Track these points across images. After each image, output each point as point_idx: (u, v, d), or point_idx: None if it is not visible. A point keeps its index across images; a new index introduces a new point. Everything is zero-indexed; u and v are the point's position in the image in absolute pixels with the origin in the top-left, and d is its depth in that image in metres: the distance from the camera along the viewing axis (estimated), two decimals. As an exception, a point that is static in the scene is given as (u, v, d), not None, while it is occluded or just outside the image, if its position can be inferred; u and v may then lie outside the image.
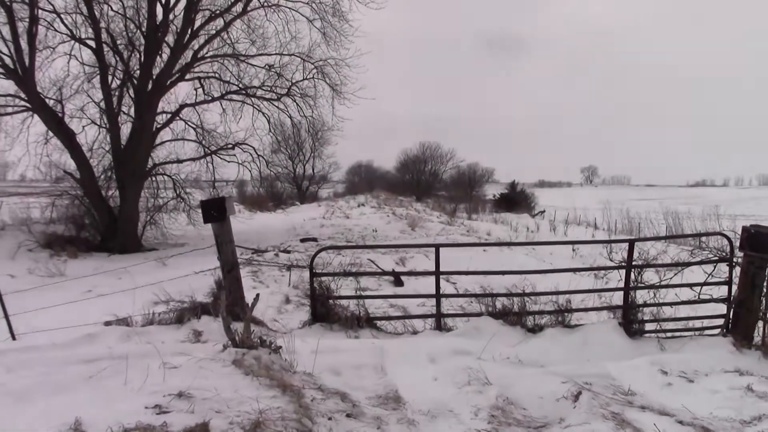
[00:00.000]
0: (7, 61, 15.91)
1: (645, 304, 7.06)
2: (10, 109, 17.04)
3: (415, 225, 23.11)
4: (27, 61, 16.02)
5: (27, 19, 16.08)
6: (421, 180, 64.28)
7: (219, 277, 7.32)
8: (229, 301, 6.39)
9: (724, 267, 7.02)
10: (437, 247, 7.54)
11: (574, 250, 16.43)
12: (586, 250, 15.88)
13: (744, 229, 6.55)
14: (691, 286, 6.92)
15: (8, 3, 15.55)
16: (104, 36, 17.57)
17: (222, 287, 7.09)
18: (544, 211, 39.24)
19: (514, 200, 44.35)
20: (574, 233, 23.41)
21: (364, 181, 73.97)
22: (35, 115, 17.02)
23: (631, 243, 7.17)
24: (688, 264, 7.19)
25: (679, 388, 5.18)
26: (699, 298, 6.95)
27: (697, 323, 7.11)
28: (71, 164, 17.56)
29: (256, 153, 20.89)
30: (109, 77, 17.80)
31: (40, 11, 16.32)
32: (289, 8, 19.15)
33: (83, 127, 18.09)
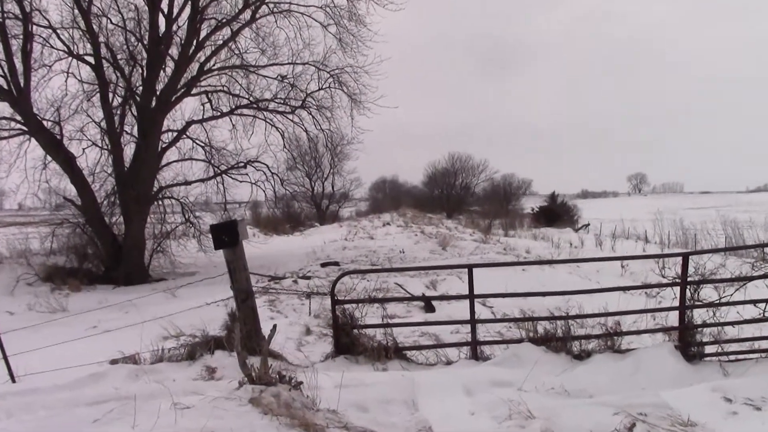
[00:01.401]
0: (1, 81, 16.13)
1: (704, 324, 6.95)
2: (5, 133, 17.17)
3: (447, 244, 23.06)
4: (22, 80, 16.20)
5: (21, 36, 16.31)
6: (451, 195, 64.39)
7: (233, 308, 7.36)
8: (244, 334, 6.40)
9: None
10: (471, 267, 7.51)
11: (623, 266, 16.24)
12: (637, 266, 15.68)
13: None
14: (755, 302, 6.80)
15: (0, 20, 15.76)
16: (103, 51, 17.78)
17: (236, 319, 7.11)
18: (588, 225, 38.89)
19: (555, 213, 44.06)
20: (622, 248, 23.17)
21: (388, 198, 74.09)
22: (32, 139, 17.19)
23: (686, 257, 7.07)
24: (751, 278, 7.07)
25: (745, 417, 5.04)
26: (765, 316, 6.83)
27: (764, 344, 6.98)
28: (72, 190, 17.76)
29: (270, 171, 21.01)
30: (110, 95, 18.00)
31: (34, 27, 16.53)
32: (301, 13, 19.30)
33: (83, 149, 18.33)
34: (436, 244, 23.35)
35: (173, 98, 18.33)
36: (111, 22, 18.00)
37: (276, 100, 20.30)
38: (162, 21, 17.98)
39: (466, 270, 7.50)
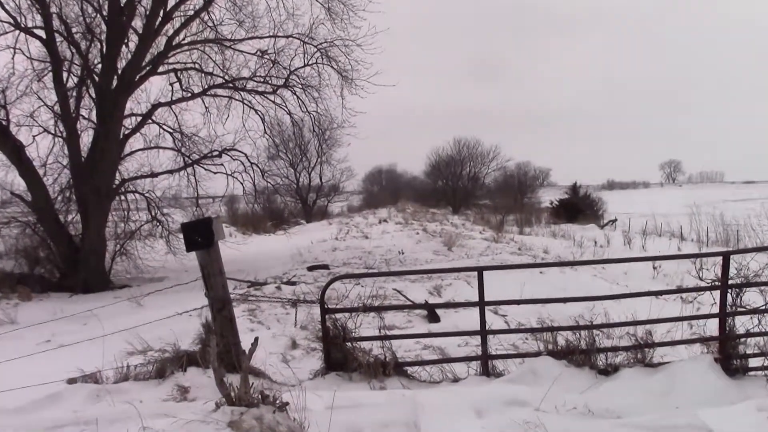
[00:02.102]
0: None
1: (748, 334, 6.94)
2: (-59, 120, 16.93)
3: (453, 243, 23.17)
4: (-40, 59, 15.93)
5: (-44, 8, 16.06)
6: (457, 186, 64.47)
7: (207, 318, 7.36)
8: (220, 348, 6.41)
9: None
10: (481, 270, 7.49)
11: (655, 267, 16.28)
12: (671, 267, 15.72)
13: None
14: (807, 308, 6.77)
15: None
16: (56, 23, 17.56)
17: (212, 331, 7.11)
18: (615, 220, 38.89)
19: (577, 207, 44.02)
20: (654, 247, 23.23)
21: (385, 190, 74.18)
22: (-28, 126, 16.94)
23: (726, 256, 7.07)
24: (803, 281, 7.04)
25: (796, 440, 5.02)
26: (819, 323, 6.79)
27: (818, 356, 6.94)
28: (20, 184, 17.62)
29: (249, 160, 21.03)
30: (64, 74, 17.88)
31: (-27, -3, 16.34)
32: (284, -22, 19.20)
33: (34, 137, 18.15)
34: (441, 244, 23.46)
35: (137, 77, 18.21)
36: (64, -11, 17.72)
37: (255, 79, 20.28)
38: (123, -12, 17.75)
39: (475, 273, 7.50)
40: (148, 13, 18.08)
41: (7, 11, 17.06)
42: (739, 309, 7.00)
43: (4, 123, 17.14)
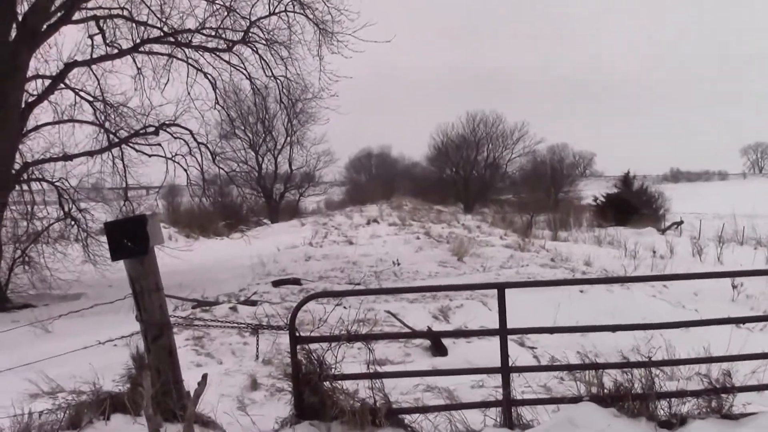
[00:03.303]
0: None
1: None
2: None
3: (465, 252, 23.44)
4: None
5: None
6: (471, 177, 64.74)
7: (140, 349, 7.33)
8: (157, 389, 6.41)
9: None
10: (502, 288, 7.39)
11: (735, 287, 16.20)
12: (757, 286, 15.78)
13: None
14: None
15: None
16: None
17: (145, 366, 7.08)
18: (681, 223, 39.13)
19: (630, 205, 44.23)
20: (733, 258, 23.28)
21: (376, 180, 74.13)
22: None
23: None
24: None
25: None
26: None
27: None
28: None
29: (196, 140, 21.35)
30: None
31: None
32: None
33: None
34: (449, 253, 23.93)
35: (44, 27, 18.05)
36: None
37: (204, 32, 20.22)
38: None
39: (495, 292, 7.49)
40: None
41: None
42: None
43: None
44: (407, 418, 7.53)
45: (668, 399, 7.05)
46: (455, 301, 14.68)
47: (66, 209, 19.46)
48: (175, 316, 8.72)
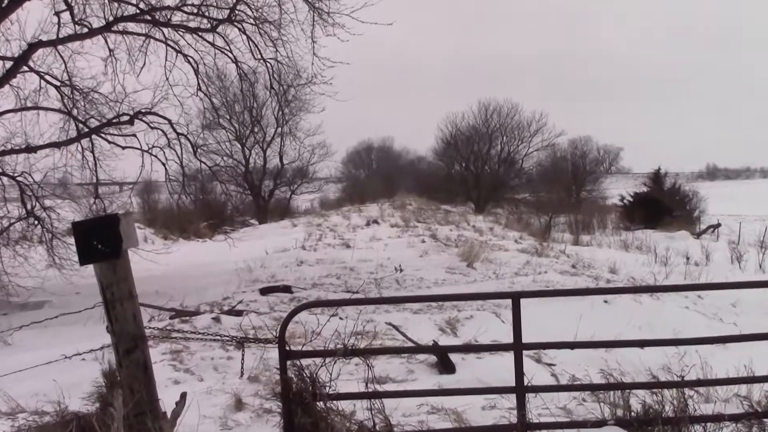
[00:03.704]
0: None
1: None
2: None
3: (475, 257, 23.70)
4: None
5: None
6: (482, 173, 64.92)
7: (111, 364, 7.20)
8: (129, 409, 6.40)
9: None
10: (517, 297, 7.41)
11: (778, 297, 16.27)
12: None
13: None
14: None
15: None
16: None
17: (117, 383, 6.99)
18: (718, 225, 39.11)
19: (661, 206, 44.24)
20: (777, 264, 22.99)
21: (377, 176, 74.45)
22: None
23: None
24: None
25: None
26: None
27: None
28: None
29: (175, 130, 21.14)
30: None
31: None
32: None
33: None
34: (457, 258, 24.20)
35: (5, 2, 17.99)
36: None
37: (185, 9, 20.01)
38: None
39: (509, 302, 7.45)
40: None
41: None
42: None
43: None
44: (410, 443, 7.45)
45: (703, 424, 7.02)
46: (464, 312, 14.76)
47: (29, 207, 19.29)
48: (150, 328, 8.45)
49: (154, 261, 20.91)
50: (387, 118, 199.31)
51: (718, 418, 7.03)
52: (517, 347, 7.33)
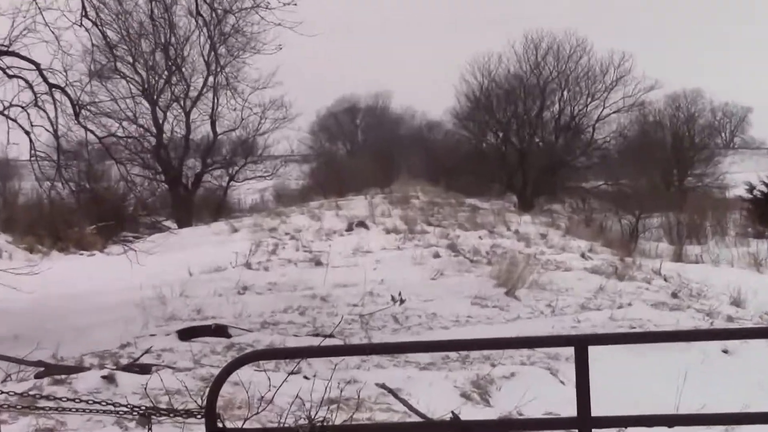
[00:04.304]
0: None
1: None
2: None
3: (519, 280, 22.55)
4: None
5: None
6: (530, 147, 59.56)
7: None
8: None
9: None
10: (583, 343, 6.31)
11: None
12: None
13: None
14: None
15: None
16: None
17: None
18: None
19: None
20: None
21: (365, 152, 71.70)
22: None
23: None
24: None
25: None
26: None
27: None
28: None
29: (46, 81, 19.63)
30: None
31: None
32: None
33: None
34: (490, 281, 23.03)
35: None
36: None
37: None
38: None
39: (570, 350, 6.89)
40: None
41: None
42: None
43: None
44: None
45: None
46: (501, 368, 13.84)
47: None
48: (5, 393, 9.63)
49: (12, 287, 19.69)
50: (381, 63, 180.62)
51: None
52: (584, 422, 6.47)
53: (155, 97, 46.77)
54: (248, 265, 26.64)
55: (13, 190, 37.07)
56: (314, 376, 11.91)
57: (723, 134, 57.07)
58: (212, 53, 33.39)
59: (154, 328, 18.26)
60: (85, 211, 35.89)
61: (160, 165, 49.56)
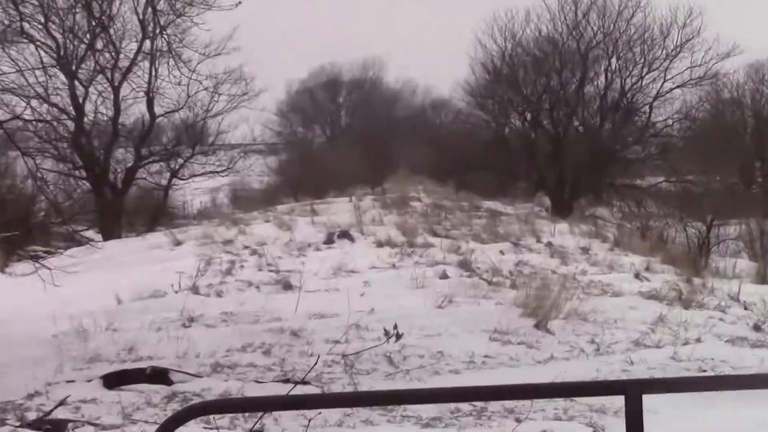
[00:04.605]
0: None
1: None
2: None
3: (553, 308, 20.66)
4: None
5: None
6: (567, 131, 54.63)
7: None
8: None
9: None
10: (635, 390, 5.13)
11: None
12: None
13: None
14: None
15: None
16: None
17: None
18: None
19: None
20: None
21: (349, 140, 68.06)
22: None
23: None
24: None
25: None
26: None
27: None
28: None
29: None
30: None
31: None
32: None
33: None
34: (516, 309, 21.08)
35: None
36: None
37: None
38: None
39: (619, 400, 5.39)
40: None
41: None
42: None
43: None
44: None
45: None
46: (529, 425, 12.53)
47: None
48: None
49: None
50: (372, 22, 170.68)
51: None
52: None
53: (74, 67, 42.22)
54: (195, 289, 24.49)
55: None
56: (282, 432, 11.46)
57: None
58: (149, 9, 30.74)
59: (72, 371, 16.60)
60: (-32, 219, 33.65)
61: (80, 157, 45.17)
